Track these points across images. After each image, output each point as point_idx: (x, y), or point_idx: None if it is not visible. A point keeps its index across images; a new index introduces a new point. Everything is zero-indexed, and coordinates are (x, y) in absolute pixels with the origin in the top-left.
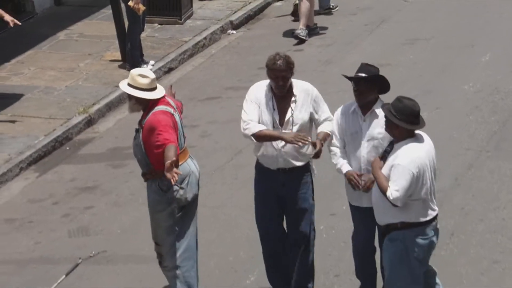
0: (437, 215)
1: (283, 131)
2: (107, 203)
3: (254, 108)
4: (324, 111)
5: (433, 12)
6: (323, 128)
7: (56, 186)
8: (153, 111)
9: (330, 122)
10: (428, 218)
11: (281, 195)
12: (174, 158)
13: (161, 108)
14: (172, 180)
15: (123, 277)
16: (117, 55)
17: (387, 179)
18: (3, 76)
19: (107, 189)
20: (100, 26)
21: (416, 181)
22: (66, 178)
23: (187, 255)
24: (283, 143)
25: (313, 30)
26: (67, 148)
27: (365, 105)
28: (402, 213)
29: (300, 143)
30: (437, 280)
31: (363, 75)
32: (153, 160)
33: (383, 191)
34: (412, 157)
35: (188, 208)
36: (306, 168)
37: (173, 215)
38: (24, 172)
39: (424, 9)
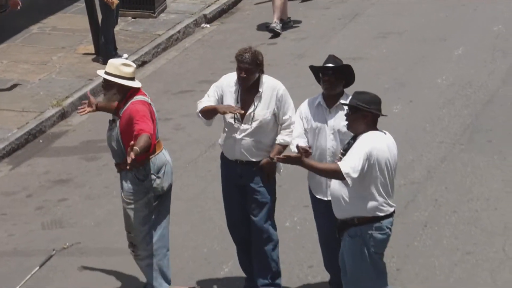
0: (394, 211)
1: (243, 125)
2: (80, 196)
3: (214, 93)
4: (286, 113)
5: (406, 6)
6: (280, 138)
7: (30, 178)
8: (132, 100)
9: (289, 132)
10: (384, 213)
11: (240, 185)
12: (137, 146)
13: (140, 98)
14: (128, 160)
15: (97, 269)
16: (91, 49)
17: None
18: None
19: (80, 182)
20: (73, 20)
21: (371, 163)
22: (40, 171)
23: (160, 244)
24: (241, 135)
25: (286, 24)
26: (41, 141)
27: (332, 98)
28: (358, 208)
29: (231, 112)
30: None
31: (330, 65)
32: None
33: (331, 169)
34: (368, 141)
35: (164, 198)
36: None
37: (149, 204)
38: None
39: (397, 3)
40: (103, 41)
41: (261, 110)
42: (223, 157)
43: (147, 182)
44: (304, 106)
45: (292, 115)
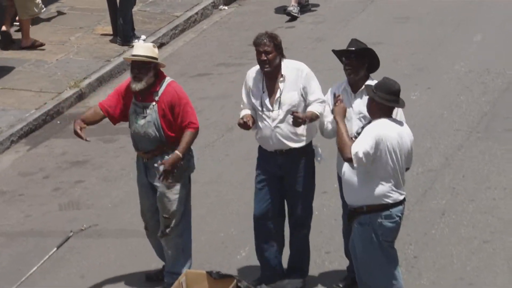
0: (404, 199)
1: (273, 112)
2: (97, 178)
3: (245, 94)
4: (314, 92)
5: None
6: (311, 108)
7: (47, 160)
8: (167, 82)
9: (320, 104)
10: (393, 201)
11: (279, 177)
12: (182, 150)
13: (171, 79)
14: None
15: (114, 251)
16: (109, 29)
17: (349, 134)
18: None
19: (97, 163)
20: None
21: (379, 148)
22: (57, 152)
23: (188, 224)
24: (275, 123)
25: (305, 7)
26: (58, 122)
27: (356, 83)
28: (368, 195)
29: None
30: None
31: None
32: (168, 135)
33: (345, 142)
34: (379, 127)
35: (190, 177)
36: (306, 150)
37: (186, 184)
38: (15, 146)
39: None
40: (121, 22)
41: (287, 93)
42: (260, 149)
43: (185, 163)
44: (330, 93)
45: (320, 93)
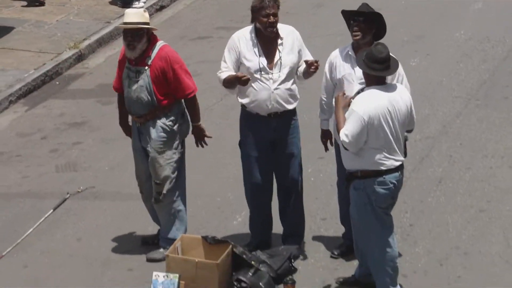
0: (401, 165)
1: (273, 74)
2: (95, 139)
3: (232, 59)
4: (306, 54)
5: None
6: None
7: (45, 120)
8: (159, 46)
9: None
10: (387, 167)
11: (272, 141)
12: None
13: (163, 43)
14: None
15: (110, 213)
16: None
17: (345, 121)
18: None
19: (95, 125)
20: None
21: (370, 128)
22: (55, 113)
23: (182, 189)
24: (275, 85)
25: None
26: (57, 82)
27: (360, 48)
28: (361, 161)
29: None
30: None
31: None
32: (160, 99)
33: (339, 126)
34: (367, 104)
35: (184, 142)
36: (294, 112)
37: (177, 150)
38: (13, 106)
39: None
40: None
41: (287, 55)
42: (249, 115)
43: (177, 128)
44: (333, 55)
45: (309, 54)
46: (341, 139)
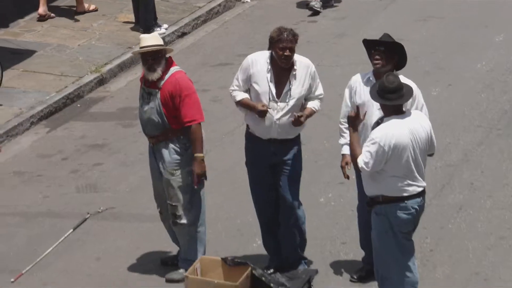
0: (422, 191)
1: (279, 104)
2: (115, 162)
3: (243, 78)
4: (318, 88)
5: None
6: (311, 104)
7: (66, 142)
8: (173, 71)
9: (319, 101)
10: (409, 193)
11: (271, 163)
12: (199, 151)
13: (178, 68)
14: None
15: (129, 234)
16: (131, 17)
17: (360, 145)
18: (16, 32)
19: (115, 147)
20: None
21: (389, 157)
22: (76, 135)
23: (200, 211)
24: (279, 115)
25: (327, 2)
26: (78, 105)
27: (381, 75)
28: (382, 187)
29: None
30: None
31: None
32: (171, 121)
33: (354, 158)
34: (386, 133)
35: None
36: (296, 139)
37: (191, 172)
38: (35, 127)
39: None
40: (144, 11)
41: (297, 88)
42: (251, 137)
43: (190, 150)
44: (353, 80)
45: (321, 89)
46: (359, 166)
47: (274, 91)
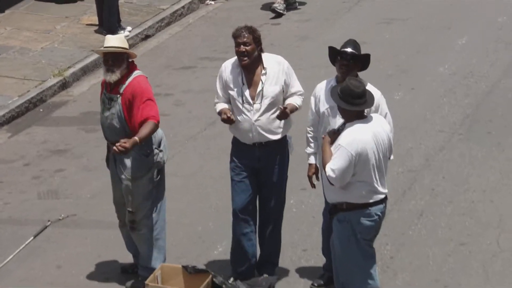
0: (385, 198)
1: (254, 105)
2: (77, 167)
3: (220, 87)
4: (294, 85)
5: None
6: (291, 100)
7: (28, 147)
8: (133, 76)
9: (299, 97)
10: (373, 200)
11: (257, 169)
12: (140, 136)
13: (140, 72)
14: (118, 148)
15: (91, 241)
16: (94, 20)
17: (331, 155)
18: None
19: (78, 153)
20: None
21: (357, 163)
22: (38, 140)
23: (160, 217)
24: (256, 116)
25: (291, 5)
26: (41, 110)
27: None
28: (347, 194)
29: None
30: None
31: (351, 50)
32: (133, 127)
33: (323, 167)
34: (353, 139)
35: (162, 172)
36: (282, 142)
37: (152, 179)
38: None
39: None
40: (107, 13)
41: (269, 87)
42: (237, 142)
43: (151, 157)
44: (318, 88)
45: (299, 86)
46: (327, 174)
47: (248, 93)
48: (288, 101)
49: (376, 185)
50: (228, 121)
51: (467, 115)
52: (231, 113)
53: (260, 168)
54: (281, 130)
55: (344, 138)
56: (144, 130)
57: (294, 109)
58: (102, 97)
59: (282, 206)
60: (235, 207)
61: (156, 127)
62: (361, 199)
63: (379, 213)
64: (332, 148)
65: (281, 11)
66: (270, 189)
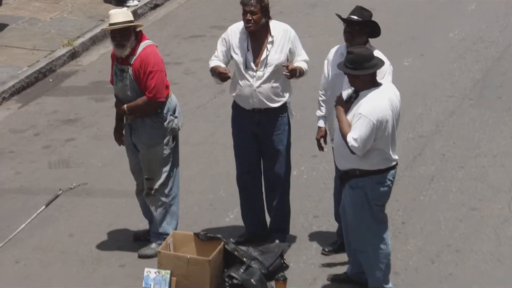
0: (396, 163)
1: (258, 72)
2: (88, 136)
3: (222, 46)
4: (300, 54)
5: None
6: (302, 64)
7: (38, 117)
8: (142, 46)
9: (306, 64)
10: (386, 166)
11: (257, 134)
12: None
13: (149, 42)
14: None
15: (102, 210)
16: None
17: (350, 125)
18: None
19: (88, 122)
20: None
21: (377, 130)
22: (48, 110)
23: (175, 185)
24: (258, 83)
25: None
26: (50, 80)
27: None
28: (362, 161)
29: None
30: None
31: (356, 18)
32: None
33: (344, 137)
34: (373, 107)
35: (177, 138)
36: (282, 109)
37: (168, 145)
38: (6, 102)
39: None
40: None
41: (275, 54)
42: (236, 107)
43: (166, 124)
44: (331, 52)
45: (305, 54)
46: (349, 144)
47: (251, 59)
48: (297, 64)
49: (390, 152)
50: (225, 79)
51: (477, 81)
52: (227, 68)
53: (260, 134)
54: (283, 98)
55: (365, 106)
56: (135, 101)
57: (302, 72)
58: (114, 68)
59: (287, 173)
60: (238, 170)
61: (149, 103)
62: (375, 166)
63: (391, 178)
64: (350, 116)
65: None
66: (272, 154)
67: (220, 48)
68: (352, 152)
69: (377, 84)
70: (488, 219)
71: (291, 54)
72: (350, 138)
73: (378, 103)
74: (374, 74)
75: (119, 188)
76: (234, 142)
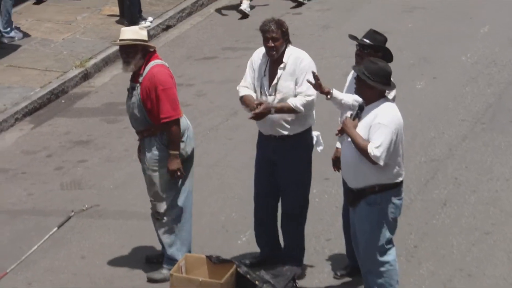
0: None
1: (269, 97)
2: (100, 158)
3: (249, 72)
4: (302, 84)
5: None
6: (290, 100)
7: (50, 138)
8: (151, 65)
9: (303, 98)
10: (401, 178)
11: (274, 161)
12: (173, 150)
13: (158, 61)
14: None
15: (114, 232)
16: (115, 10)
17: (363, 139)
18: None
19: (100, 143)
20: None
21: (396, 140)
22: (61, 131)
23: (184, 208)
24: (272, 110)
25: None
26: (63, 101)
27: None
28: (381, 174)
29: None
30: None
31: (368, 42)
32: (152, 117)
33: (363, 149)
34: (392, 117)
35: (187, 163)
36: (299, 139)
37: None
38: (19, 123)
39: None
40: (128, 3)
41: (284, 82)
42: (259, 132)
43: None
44: (348, 78)
45: (308, 88)
46: (371, 154)
47: (266, 84)
48: (288, 101)
49: (402, 164)
50: (257, 116)
51: (489, 105)
52: (259, 99)
53: (276, 161)
54: (294, 126)
55: (383, 116)
56: (169, 137)
57: (286, 109)
58: (128, 86)
59: (302, 204)
60: (255, 193)
61: (171, 124)
62: (393, 178)
63: (402, 190)
64: (362, 131)
65: (302, 1)
66: (287, 183)
67: (249, 74)
68: (373, 163)
69: (384, 97)
70: (500, 243)
71: (296, 83)
72: (371, 148)
73: (395, 114)
74: (384, 92)
75: (131, 210)
76: (255, 165)
